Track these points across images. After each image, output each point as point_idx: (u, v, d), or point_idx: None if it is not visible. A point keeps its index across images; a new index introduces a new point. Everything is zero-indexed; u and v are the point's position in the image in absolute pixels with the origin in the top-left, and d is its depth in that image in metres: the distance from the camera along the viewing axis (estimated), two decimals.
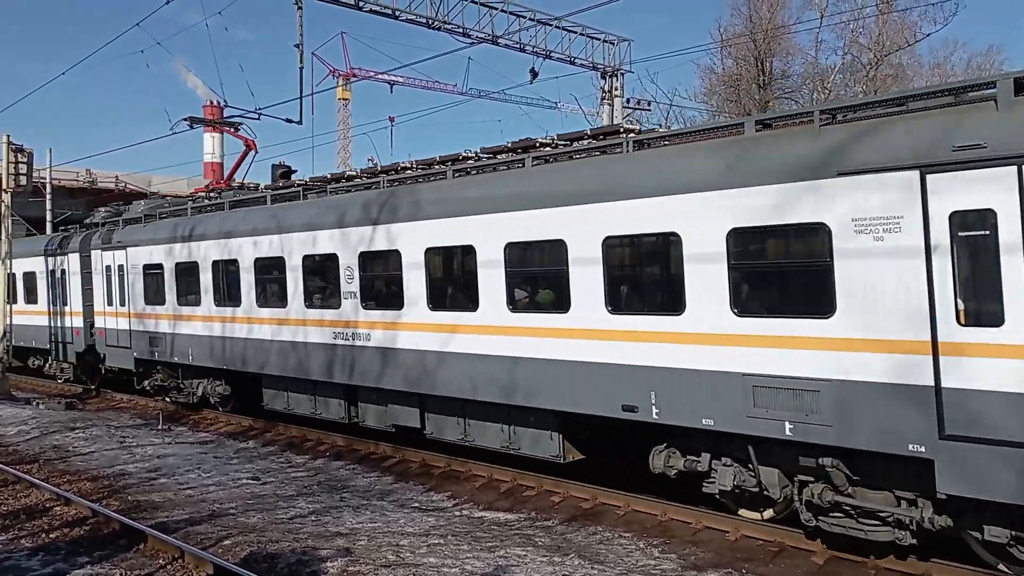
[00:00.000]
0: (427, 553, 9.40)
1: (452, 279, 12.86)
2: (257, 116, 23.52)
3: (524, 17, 30.62)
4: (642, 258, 10.42)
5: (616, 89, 35.07)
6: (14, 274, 26.91)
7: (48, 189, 61.39)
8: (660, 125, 43.38)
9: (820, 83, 41.91)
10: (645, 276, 10.49)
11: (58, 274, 25.03)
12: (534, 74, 31.76)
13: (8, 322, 26.01)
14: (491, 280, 11.62)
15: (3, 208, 24.92)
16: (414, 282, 12.85)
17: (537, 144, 12.43)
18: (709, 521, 10.22)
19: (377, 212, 13.54)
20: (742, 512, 10.05)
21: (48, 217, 60.36)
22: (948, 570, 8.25)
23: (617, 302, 10.20)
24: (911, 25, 40.10)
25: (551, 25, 31.89)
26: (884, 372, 7.84)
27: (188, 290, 18.47)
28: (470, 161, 13.38)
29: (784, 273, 9.01)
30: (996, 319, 7.28)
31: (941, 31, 56.73)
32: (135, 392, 22.24)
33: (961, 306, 7.51)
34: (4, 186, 24.14)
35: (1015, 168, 7.17)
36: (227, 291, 17.19)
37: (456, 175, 12.91)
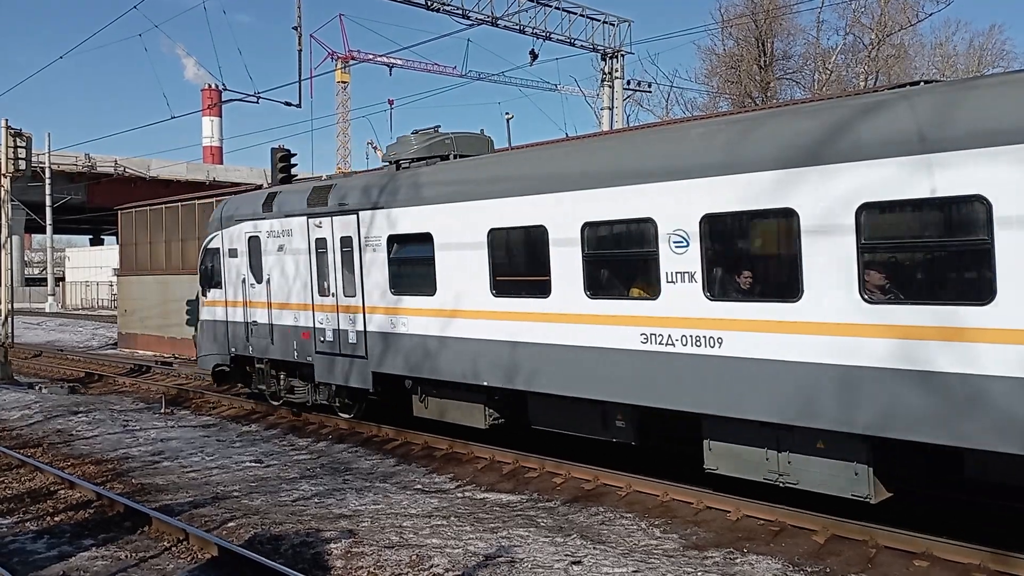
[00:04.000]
0: (430, 534, 9.45)
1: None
2: (256, 99, 23.49)
3: None
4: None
5: (616, 71, 34.95)
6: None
7: (47, 174, 61.16)
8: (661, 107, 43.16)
9: (822, 64, 41.74)
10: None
11: None
12: (534, 56, 31.64)
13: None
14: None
15: (2, 193, 24.86)
16: None
17: None
18: (710, 501, 10.27)
19: None
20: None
21: (47, 202, 60.42)
22: (949, 548, 8.30)
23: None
24: (913, 5, 39.88)
25: (551, 6, 31.74)
26: None
27: None
28: None
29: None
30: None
31: (943, 11, 56.37)
32: None
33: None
34: (3, 171, 24.07)
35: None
36: None
37: None
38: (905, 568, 8.24)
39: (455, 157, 13.52)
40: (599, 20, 33.86)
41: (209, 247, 17.79)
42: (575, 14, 32.89)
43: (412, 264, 13.19)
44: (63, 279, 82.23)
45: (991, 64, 44.38)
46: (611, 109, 35.19)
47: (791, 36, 42.93)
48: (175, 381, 23.61)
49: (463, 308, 12.11)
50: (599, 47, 34.26)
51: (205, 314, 18.09)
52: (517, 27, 31.01)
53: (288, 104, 23.24)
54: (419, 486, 11.99)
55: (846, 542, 8.89)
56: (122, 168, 67.07)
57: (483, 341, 11.83)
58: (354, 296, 13.92)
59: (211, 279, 17.75)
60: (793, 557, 8.64)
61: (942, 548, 8.33)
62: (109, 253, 72.95)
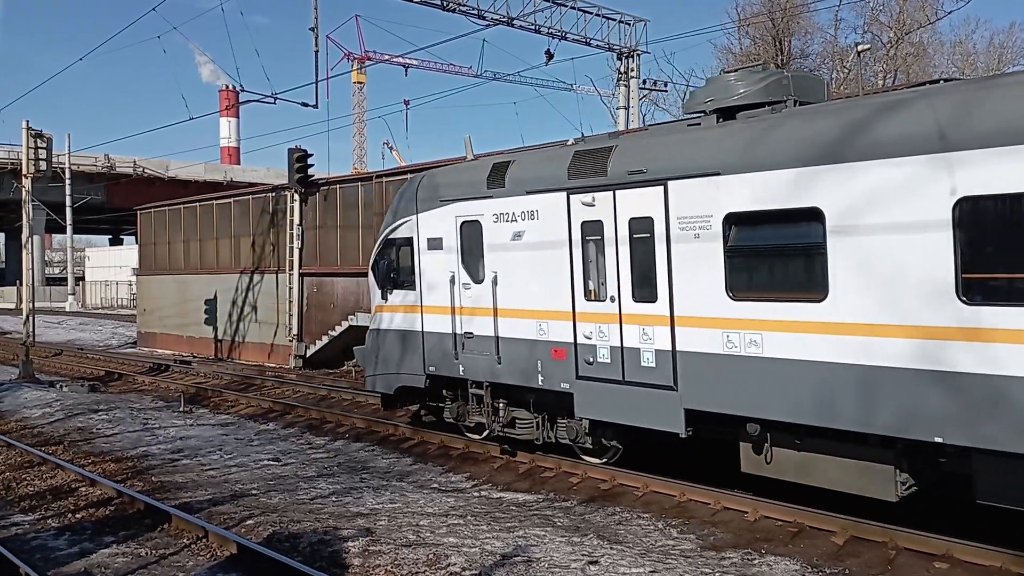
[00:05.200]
0: (447, 533, 9.48)
1: None
2: (273, 100, 23.63)
3: None
4: None
5: (632, 70, 34.86)
6: None
7: (67, 174, 61.75)
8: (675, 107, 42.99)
9: (839, 62, 41.51)
10: None
11: None
12: (549, 56, 31.62)
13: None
14: None
15: (24, 193, 25.12)
16: None
17: None
18: (728, 502, 10.23)
19: None
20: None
21: (68, 202, 61.01)
22: (970, 550, 8.23)
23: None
24: (932, 3, 39.58)
25: (566, 6, 31.72)
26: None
27: None
28: None
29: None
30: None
31: (963, 8, 55.90)
32: None
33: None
34: (24, 171, 24.32)
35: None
36: None
37: None
38: (925, 570, 8.17)
39: (795, 103, 9.93)
40: (615, 20, 33.79)
41: (393, 237, 13.86)
42: (591, 14, 32.84)
43: (774, 256, 9.24)
44: (83, 278, 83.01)
45: (1011, 62, 43.97)
46: (627, 108, 35.11)
47: (808, 34, 42.78)
48: (194, 380, 23.81)
49: (889, 321, 8.06)
50: (615, 46, 34.19)
51: (383, 322, 14.21)
52: (533, 27, 30.99)
53: (305, 105, 23.33)
54: (436, 485, 12.02)
55: (865, 543, 8.83)
56: (141, 169, 67.67)
57: (941, 373, 7.67)
58: (653, 301, 10.12)
59: (395, 278, 13.93)
60: (812, 558, 8.59)
61: (963, 550, 8.25)
62: (128, 253, 73.61)
